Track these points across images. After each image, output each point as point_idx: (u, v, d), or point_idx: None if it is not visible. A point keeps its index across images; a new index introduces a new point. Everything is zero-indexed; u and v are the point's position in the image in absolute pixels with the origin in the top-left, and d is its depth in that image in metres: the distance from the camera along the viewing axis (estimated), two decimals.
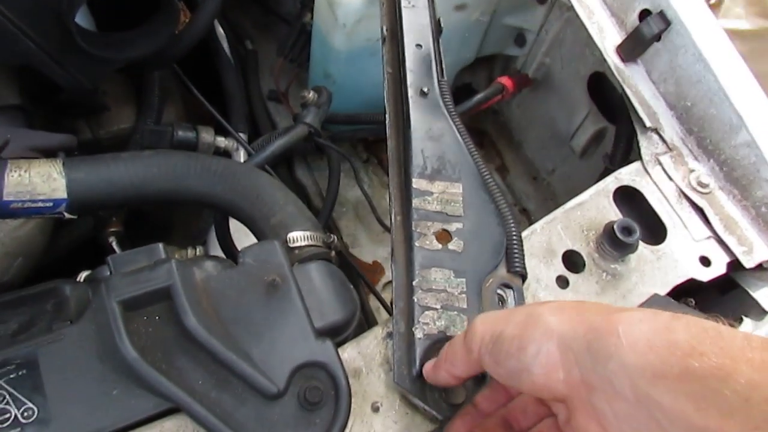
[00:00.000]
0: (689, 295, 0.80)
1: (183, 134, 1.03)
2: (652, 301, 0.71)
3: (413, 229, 0.66)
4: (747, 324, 0.76)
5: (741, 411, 0.33)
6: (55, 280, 0.64)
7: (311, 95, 0.95)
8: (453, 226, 0.67)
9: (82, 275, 0.88)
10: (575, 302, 0.47)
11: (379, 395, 0.60)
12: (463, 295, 0.64)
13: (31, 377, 0.53)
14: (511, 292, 0.66)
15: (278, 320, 0.59)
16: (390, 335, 0.63)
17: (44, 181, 0.68)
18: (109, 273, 0.59)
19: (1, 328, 0.58)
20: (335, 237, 0.71)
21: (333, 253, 0.70)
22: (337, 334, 0.64)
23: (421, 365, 0.60)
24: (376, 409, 0.60)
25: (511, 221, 0.68)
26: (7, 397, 0.52)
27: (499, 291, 0.66)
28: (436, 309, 0.63)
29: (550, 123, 1.18)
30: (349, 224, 1.16)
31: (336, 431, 0.56)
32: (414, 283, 0.64)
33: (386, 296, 1.09)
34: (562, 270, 0.71)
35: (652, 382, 0.36)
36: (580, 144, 1.10)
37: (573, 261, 0.72)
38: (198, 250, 0.89)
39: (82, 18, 0.84)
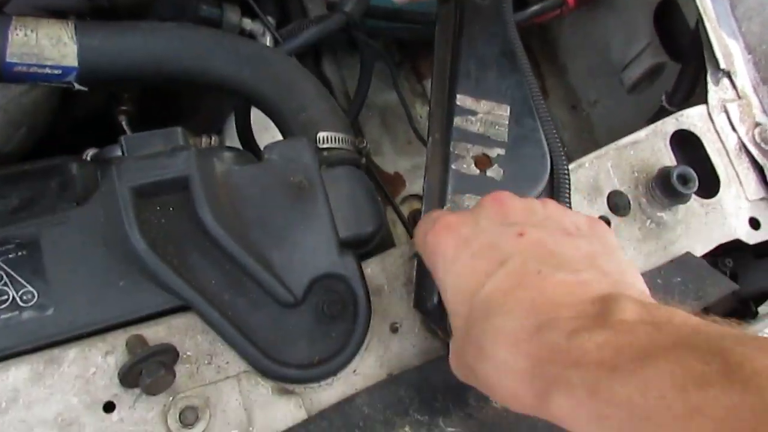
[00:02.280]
0: (727, 254, 0.76)
1: (207, 9, 0.95)
2: (684, 261, 0.66)
3: (451, 149, 0.61)
4: None
5: None
6: (61, 156, 0.59)
7: None
8: (494, 152, 0.62)
9: (89, 153, 0.83)
10: None
11: (400, 316, 0.57)
12: None
13: (31, 259, 0.49)
14: None
15: (301, 226, 0.55)
16: (416, 255, 0.59)
17: (53, 45, 0.62)
18: (121, 154, 0.54)
19: (0, 203, 0.54)
20: (367, 142, 0.65)
21: (363, 159, 0.65)
22: (359, 247, 0.60)
23: None
24: (395, 329, 0.57)
25: (562, 154, 0.62)
26: (5, 278, 0.49)
27: None
28: None
29: (602, 49, 1.09)
30: (374, 130, 1.09)
31: (352, 347, 0.54)
32: (445, 208, 0.59)
33: (405, 210, 1.04)
34: (605, 210, 0.66)
35: None
36: (632, 77, 1.02)
37: (618, 203, 0.67)
38: (213, 139, 0.83)
39: None
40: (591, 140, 1.16)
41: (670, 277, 0.62)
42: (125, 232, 0.49)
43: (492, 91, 0.62)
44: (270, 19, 1.01)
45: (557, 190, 0.61)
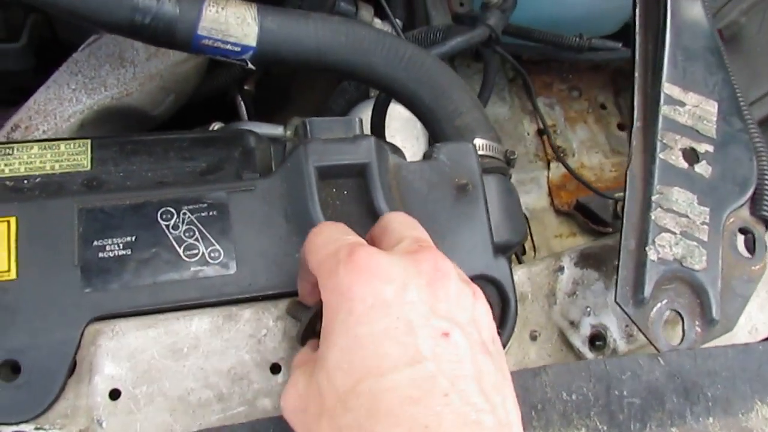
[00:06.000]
0: None
1: (344, 6, 0.99)
2: None
3: (659, 138, 0.59)
4: None
5: None
6: (239, 128, 0.62)
7: None
8: (702, 147, 0.60)
9: (215, 126, 0.87)
10: None
11: (540, 325, 0.59)
12: (705, 227, 0.57)
13: (220, 220, 0.52)
14: (751, 237, 0.60)
15: (462, 226, 0.57)
16: (561, 269, 0.60)
17: (239, 24, 0.65)
18: (305, 135, 0.57)
19: (189, 164, 0.58)
20: (516, 153, 0.68)
21: (511, 170, 0.67)
22: (504, 253, 0.62)
23: (652, 290, 0.54)
24: (534, 337, 0.59)
25: (766, 159, 0.61)
26: (197, 233, 0.52)
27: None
28: (675, 233, 0.57)
29: None
30: None
31: None
32: (653, 198, 0.57)
33: None
34: None
35: None
36: (758, 115, 1.02)
37: None
38: None
39: None
40: None
41: None
42: (307, 207, 0.52)
43: (699, 84, 0.61)
44: (398, 21, 1.05)
45: (759, 197, 0.60)
